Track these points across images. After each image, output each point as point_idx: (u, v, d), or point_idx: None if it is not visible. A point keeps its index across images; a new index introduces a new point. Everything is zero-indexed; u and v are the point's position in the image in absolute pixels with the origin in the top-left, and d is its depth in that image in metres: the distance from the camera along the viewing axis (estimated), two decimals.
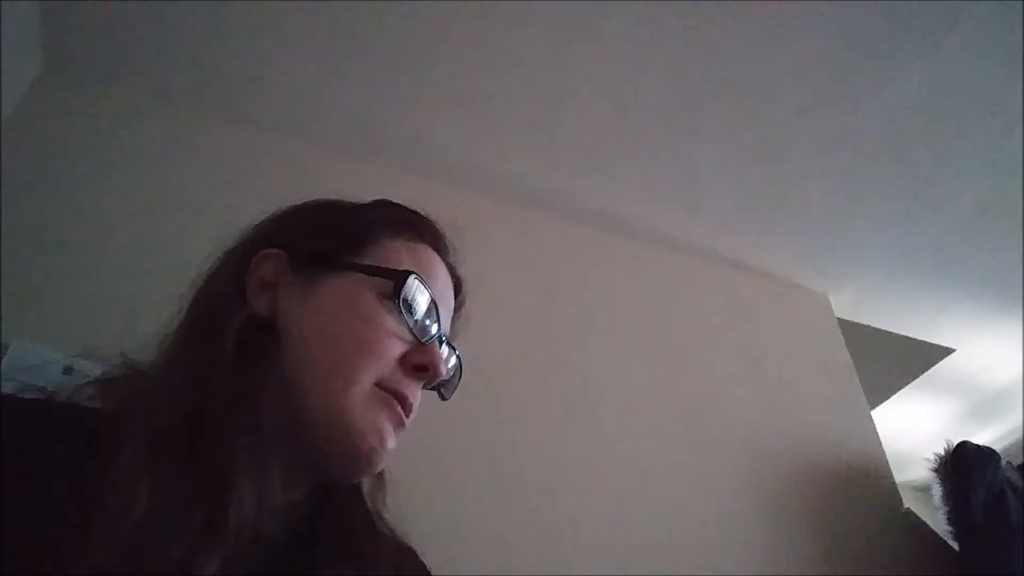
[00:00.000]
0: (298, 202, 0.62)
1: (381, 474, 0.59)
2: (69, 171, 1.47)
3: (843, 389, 1.97)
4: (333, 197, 0.63)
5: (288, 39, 1.51)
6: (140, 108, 1.62)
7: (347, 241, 0.56)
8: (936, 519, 1.67)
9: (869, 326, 2.32)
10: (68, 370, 1.00)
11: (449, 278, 0.61)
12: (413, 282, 0.53)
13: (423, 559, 0.62)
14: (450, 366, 0.59)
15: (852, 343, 2.09)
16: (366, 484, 0.57)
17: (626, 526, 1.48)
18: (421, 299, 0.54)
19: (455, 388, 0.62)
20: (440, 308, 0.56)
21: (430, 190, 1.78)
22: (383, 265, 0.54)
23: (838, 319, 2.15)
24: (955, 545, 1.61)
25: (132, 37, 1.53)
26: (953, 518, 1.61)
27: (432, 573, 0.62)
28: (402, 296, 0.52)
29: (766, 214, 1.92)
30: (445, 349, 0.58)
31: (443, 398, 0.61)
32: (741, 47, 1.47)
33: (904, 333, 2.38)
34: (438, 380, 0.54)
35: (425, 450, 1.38)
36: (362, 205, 0.62)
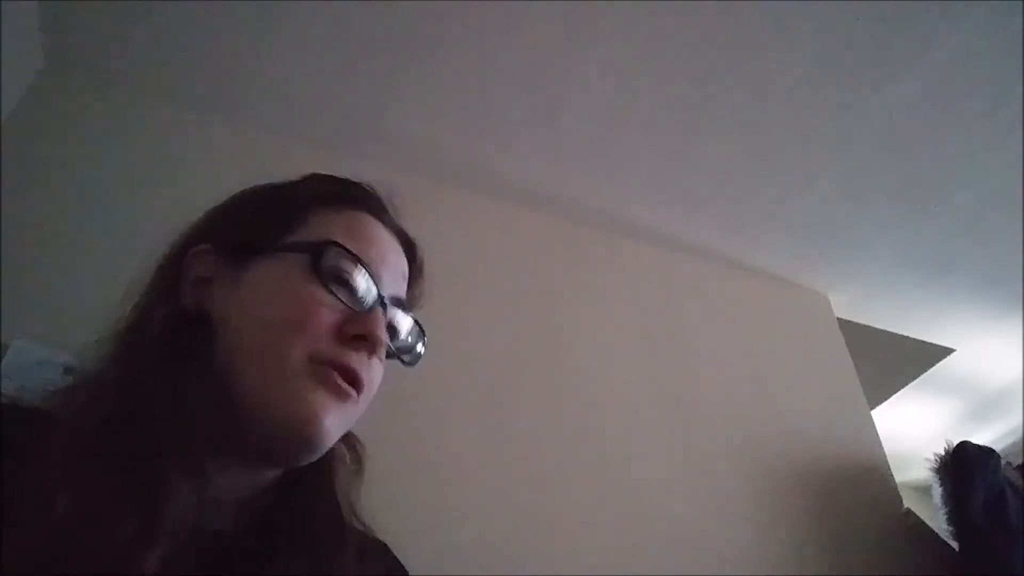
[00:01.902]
0: (229, 195, 0.61)
1: (359, 464, 0.57)
2: (69, 171, 1.47)
3: (843, 389, 1.97)
4: (267, 181, 0.61)
5: (289, 39, 1.51)
6: (140, 108, 1.62)
7: (272, 223, 0.54)
8: (936, 519, 1.67)
9: (869, 326, 2.32)
10: (69, 370, 1.00)
11: (393, 239, 0.58)
12: (335, 251, 0.51)
13: (397, 554, 0.60)
14: (407, 334, 0.57)
15: (852, 343, 2.09)
16: (339, 475, 0.55)
17: (625, 526, 1.48)
18: (348, 266, 0.51)
19: (419, 355, 0.59)
20: (384, 272, 0.54)
21: (430, 190, 1.78)
22: (311, 236, 0.53)
23: (838, 319, 2.15)
24: (955, 545, 1.61)
25: (132, 37, 1.53)
26: (953, 518, 1.61)
27: (407, 570, 0.61)
28: (323, 267, 0.50)
29: (766, 214, 1.92)
30: (399, 315, 0.56)
31: (405, 364, 0.58)
32: (741, 47, 1.47)
33: (904, 333, 2.38)
34: (379, 347, 0.51)
35: (423, 447, 1.39)
36: (286, 183, 0.60)
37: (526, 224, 1.89)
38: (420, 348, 0.59)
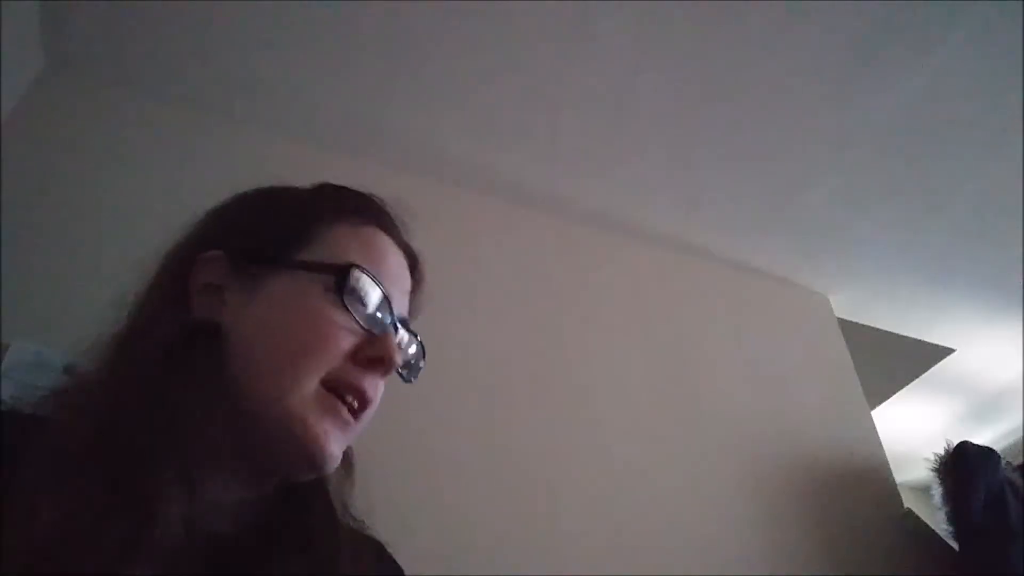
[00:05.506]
0: (236, 194, 0.60)
1: (349, 466, 0.58)
2: (69, 171, 1.47)
3: (843, 389, 1.97)
4: (277, 183, 0.61)
5: (288, 39, 1.51)
6: (140, 108, 1.62)
7: (287, 235, 0.54)
8: (936, 519, 1.67)
9: (869, 326, 2.32)
10: (69, 370, 1.00)
11: (402, 256, 0.59)
12: (357, 274, 0.51)
13: (391, 551, 0.61)
14: (411, 352, 0.58)
15: (852, 343, 2.09)
16: (332, 478, 0.55)
17: (625, 526, 1.48)
18: (368, 289, 0.52)
19: (419, 371, 0.60)
20: (394, 290, 0.55)
21: (430, 190, 1.78)
22: (328, 253, 0.53)
23: (838, 319, 2.15)
24: (955, 545, 1.61)
25: (132, 37, 1.53)
26: (953, 518, 1.61)
27: (402, 567, 0.61)
28: (346, 290, 0.50)
29: (766, 214, 1.92)
30: (404, 335, 0.57)
31: (407, 381, 0.59)
32: (741, 47, 1.47)
33: (904, 333, 2.38)
34: (393, 369, 0.52)
35: (423, 448, 1.39)
36: (301, 192, 0.60)
37: (526, 224, 1.89)
38: (421, 365, 0.60)
